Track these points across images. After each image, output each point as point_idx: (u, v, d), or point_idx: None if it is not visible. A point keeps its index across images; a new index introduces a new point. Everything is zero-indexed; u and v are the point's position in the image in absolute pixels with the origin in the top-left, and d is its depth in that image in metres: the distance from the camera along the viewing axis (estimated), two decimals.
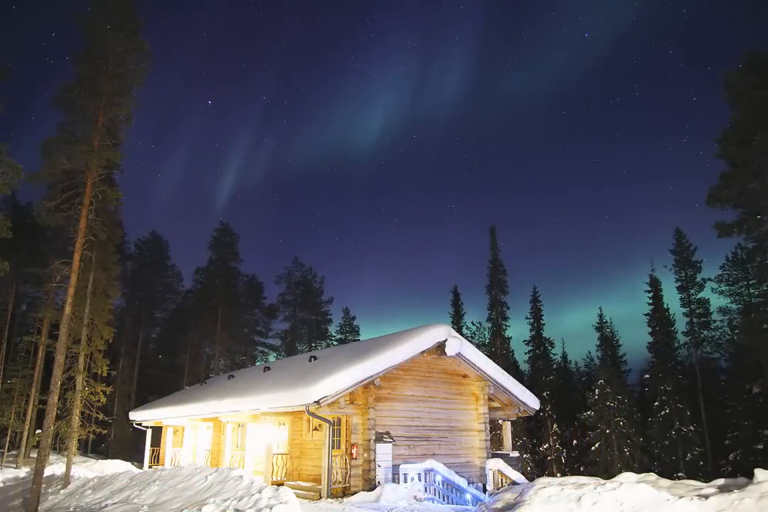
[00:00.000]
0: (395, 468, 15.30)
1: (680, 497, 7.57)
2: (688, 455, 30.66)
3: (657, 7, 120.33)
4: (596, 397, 32.38)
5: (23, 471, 22.71)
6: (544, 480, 9.12)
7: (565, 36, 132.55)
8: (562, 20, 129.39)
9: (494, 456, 18.28)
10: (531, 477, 27.28)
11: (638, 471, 18.37)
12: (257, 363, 40.28)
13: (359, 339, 43.35)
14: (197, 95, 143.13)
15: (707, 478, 20.94)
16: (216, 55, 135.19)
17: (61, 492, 15.60)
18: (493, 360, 21.10)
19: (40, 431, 16.44)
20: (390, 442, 15.69)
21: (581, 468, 34.86)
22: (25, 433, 26.83)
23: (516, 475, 15.07)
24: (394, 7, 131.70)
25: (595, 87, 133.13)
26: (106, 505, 11.98)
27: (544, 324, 39.78)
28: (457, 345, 17.02)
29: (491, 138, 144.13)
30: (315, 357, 18.81)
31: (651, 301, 34.79)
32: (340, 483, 14.89)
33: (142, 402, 33.33)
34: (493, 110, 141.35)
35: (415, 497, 13.90)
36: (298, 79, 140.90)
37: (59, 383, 14.69)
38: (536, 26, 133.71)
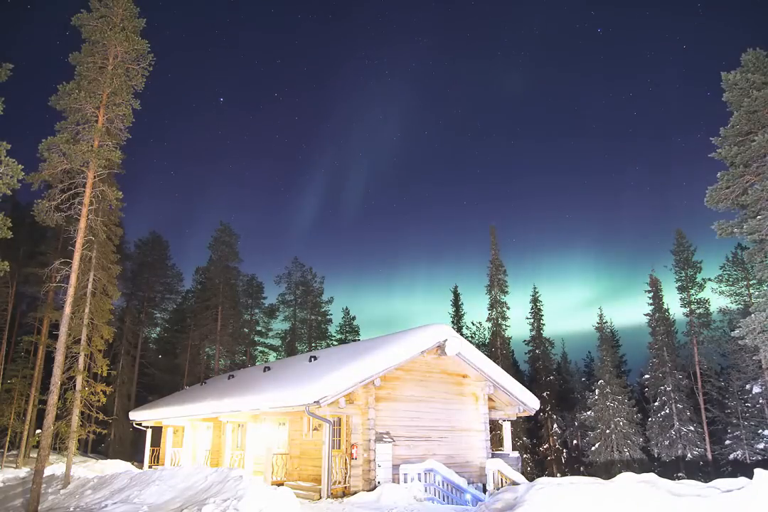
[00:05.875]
0: (395, 468, 15.30)
1: (680, 497, 7.57)
2: (688, 455, 30.68)
3: (671, 1, 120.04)
4: (596, 397, 32.41)
5: (23, 471, 22.70)
6: (543, 480, 9.11)
7: (578, 31, 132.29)
8: (575, 15, 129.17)
9: (494, 456, 18.28)
10: (531, 477, 27.28)
11: (638, 471, 18.37)
12: (257, 363, 40.28)
13: (359, 339, 43.36)
14: (211, 93, 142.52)
15: (707, 478, 20.94)
16: (228, 52, 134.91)
17: (61, 492, 15.59)
18: (493, 360, 21.13)
19: (40, 431, 16.43)
20: (390, 442, 15.69)
21: (581, 468, 34.90)
22: (25, 433, 26.82)
23: (516, 475, 15.06)
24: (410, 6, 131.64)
25: (608, 82, 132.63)
26: (106, 505, 11.98)
27: (544, 324, 39.84)
28: (457, 345, 17.03)
29: (499, 135, 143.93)
30: (315, 357, 18.82)
31: (651, 301, 34.82)
32: (340, 483, 14.90)
33: (142, 402, 33.33)
34: (502, 106, 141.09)
35: (415, 497, 13.89)
36: (302, 78, 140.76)
37: (59, 383, 14.67)
38: (547, 22, 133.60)
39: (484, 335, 40.01)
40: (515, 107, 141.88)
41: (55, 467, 20.25)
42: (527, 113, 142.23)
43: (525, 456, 34.44)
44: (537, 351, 39.48)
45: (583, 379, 41.21)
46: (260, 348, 45.49)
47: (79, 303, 17.34)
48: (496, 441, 26.80)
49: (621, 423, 31.45)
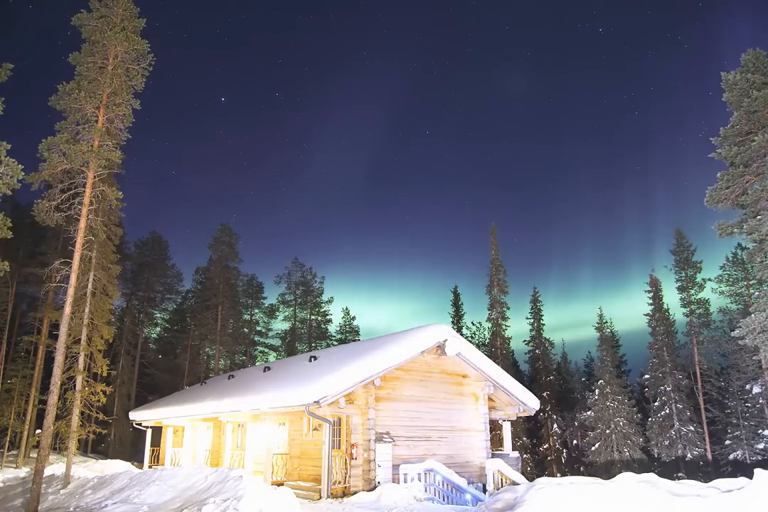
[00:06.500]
0: (395, 468, 15.30)
1: (680, 497, 7.57)
2: (688, 455, 30.68)
3: (671, 1, 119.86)
4: (596, 397, 32.42)
5: (23, 471, 22.71)
6: (543, 480, 9.11)
7: (579, 31, 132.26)
8: (575, 15, 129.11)
9: (494, 456, 18.28)
10: (531, 477, 27.30)
11: (638, 471, 18.37)
12: (257, 363, 40.27)
13: (359, 339, 43.35)
14: (212, 92, 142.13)
15: (707, 478, 20.95)
16: (229, 52, 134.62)
17: (61, 492, 15.59)
18: (493, 360, 21.12)
19: (40, 431, 16.44)
20: (390, 442, 15.69)
21: (581, 468, 34.90)
22: (25, 433, 26.82)
23: (516, 475, 15.06)
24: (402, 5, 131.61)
25: (608, 82, 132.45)
26: (106, 505, 11.98)
27: (544, 325, 39.86)
28: (457, 345, 17.03)
29: (499, 134, 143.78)
30: (315, 357, 18.82)
31: (651, 301, 34.83)
32: (340, 483, 14.89)
33: (142, 402, 33.32)
34: (503, 106, 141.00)
35: (415, 497, 13.89)
36: (306, 77, 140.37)
37: (59, 383, 14.68)
38: (549, 21, 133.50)
39: (484, 335, 40.05)
40: (516, 107, 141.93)
41: (55, 467, 20.25)
42: (528, 113, 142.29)
43: (525, 456, 34.44)
44: (537, 351, 39.49)
45: (583, 379, 41.23)
46: (260, 348, 45.50)
47: (79, 303, 17.35)
48: (496, 441, 26.79)
49: (621, 423, 31.45)
